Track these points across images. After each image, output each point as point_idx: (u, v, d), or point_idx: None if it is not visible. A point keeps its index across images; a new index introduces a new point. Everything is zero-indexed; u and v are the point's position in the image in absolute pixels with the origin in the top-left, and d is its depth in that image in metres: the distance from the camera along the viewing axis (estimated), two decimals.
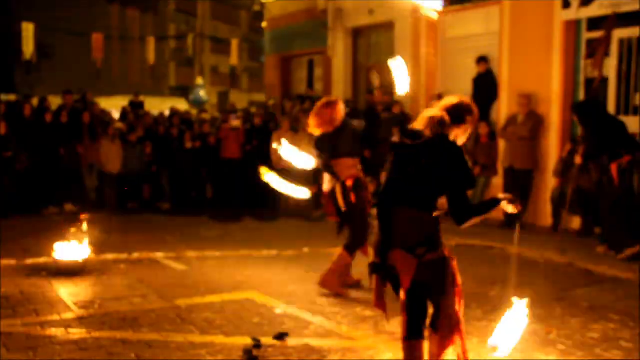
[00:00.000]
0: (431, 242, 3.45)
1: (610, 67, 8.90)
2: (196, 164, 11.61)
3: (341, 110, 6.00)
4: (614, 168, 7.62)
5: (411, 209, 3.44)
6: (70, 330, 4.67)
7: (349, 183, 5.88)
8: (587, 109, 8.09)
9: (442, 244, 3.52)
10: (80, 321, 4.90)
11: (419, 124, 3.52)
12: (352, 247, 5.92)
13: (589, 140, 7.96)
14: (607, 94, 8.98)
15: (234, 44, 19.35)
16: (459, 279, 3.57)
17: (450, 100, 3.64)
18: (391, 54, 12.08)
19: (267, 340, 4.49)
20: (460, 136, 3.62)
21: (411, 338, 3.62)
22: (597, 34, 8.99)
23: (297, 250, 7.81)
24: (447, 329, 3.55)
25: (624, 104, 8.87)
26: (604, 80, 8.97)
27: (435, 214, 3.47)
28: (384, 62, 12.56)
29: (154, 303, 5.44)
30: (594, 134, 7.79)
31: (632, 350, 4.53)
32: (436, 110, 3.54)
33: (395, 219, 3.48)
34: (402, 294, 3.59)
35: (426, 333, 3.66)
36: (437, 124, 3.44)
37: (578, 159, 8.29)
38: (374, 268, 3.70)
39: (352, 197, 5.86)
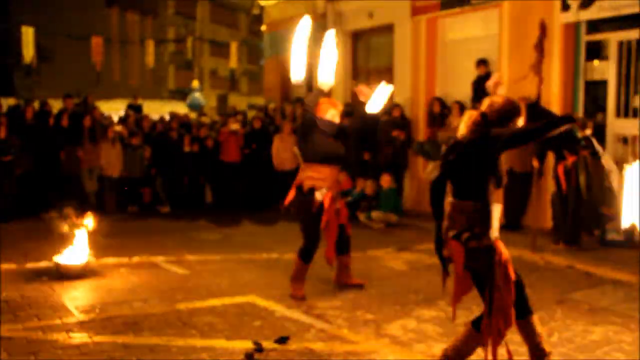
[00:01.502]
0: (474, 229, 3.54)
1: (610, 69, 8.91)
2: (195, 168, 11.61)
3: (323, 110, 5.83)
4: (560, 170, 7.98)
5: (458, 200, 3.61)
6: (72, 334, 4.68)
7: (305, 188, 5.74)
8: (534, 111, 7.92)
9: (487, 234, 3.56)
10: (82, 325, 4.91)
11: (462, 126, 3.67)
12: (301, 254, 5.83)
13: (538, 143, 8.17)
14: (607, 97, 8.99)
15: (233, 47, 19.36)
16: (513, 275, 3.56)
17: (497, 100, 3.71)
18: (391, 56, 12.12)
19: (268, 344, 4.49)
20: None
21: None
22: (597, 37, 9.03)
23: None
24: (495, 327, 3.54)
25: (624, 107, 8.88)
26: (604, 83, 9.00)
27: (480, 203, 3.56)
28: (381, 66, 12.67)
29: (155, 307, 5.45)
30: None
31: (633, 352, 4.53)
32: (476, 111, 3.67)
33: (447, 210, 3.66)
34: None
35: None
36: (476, 125, 3.59)
37: (535, 163, 8.37)
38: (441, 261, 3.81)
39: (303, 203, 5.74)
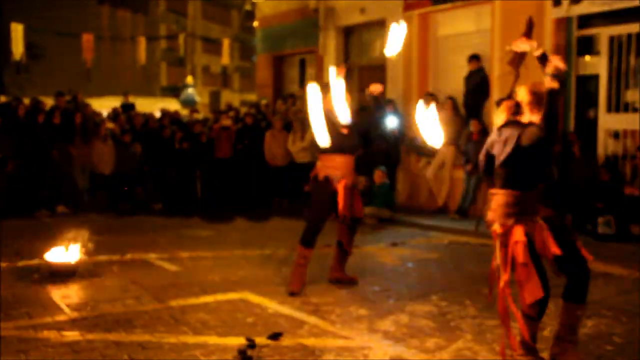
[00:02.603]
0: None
1: (601, 64, 8.94)
2: (188, 164, 11.58)
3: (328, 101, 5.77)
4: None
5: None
6: (63, 332, 4.65)
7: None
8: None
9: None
10: (73, 323, 4.87)
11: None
12: (302, 239, 5.90)
13: None
14: (598, 92, 9.01)
15: (226, 43, 19.32)
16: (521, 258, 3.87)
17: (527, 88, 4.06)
18: (382, 52, 12.10)
19: (261, 340, 4.48)
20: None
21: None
22: (588, 32, 9.06)
23: (290, 250, 7.77)
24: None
25: (615, 101, 8.91)
26: (595, 78, 9.03)
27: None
28: (373, 62, 12.66)
29: (147, 304, 5.42)
30: None
31: (624, 345, 4.55)
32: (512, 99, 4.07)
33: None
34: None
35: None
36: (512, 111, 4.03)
37: None
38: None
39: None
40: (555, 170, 8.21)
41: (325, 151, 5.76)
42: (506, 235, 3.92)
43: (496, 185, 4.05)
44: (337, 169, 5.84)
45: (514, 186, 3.94)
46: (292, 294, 5.74)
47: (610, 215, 8.10)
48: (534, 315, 4.01)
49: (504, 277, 3.93)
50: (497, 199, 4.00)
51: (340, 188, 5.81)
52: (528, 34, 8.86)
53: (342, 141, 5.80)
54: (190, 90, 19.86)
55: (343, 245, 6.16)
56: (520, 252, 3.84)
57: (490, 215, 4.03)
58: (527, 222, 3.91)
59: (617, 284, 6.31)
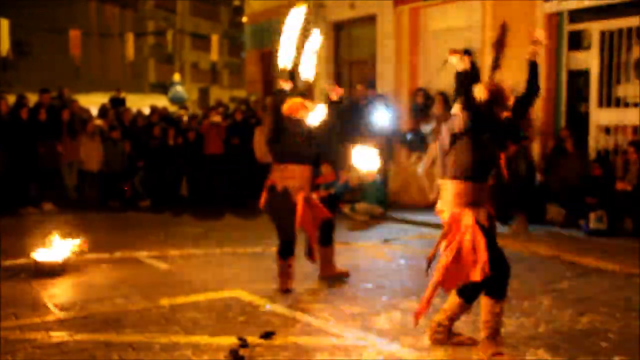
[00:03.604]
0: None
1: (592, 59, 8.92)
2: (178, 161, 11.48)
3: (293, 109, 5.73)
4: (502, 158, 8.19)
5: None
6: (51, 333, 4.56)
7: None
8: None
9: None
10: (61, 323, 4.78)
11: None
12: (280, 252, 5.79)
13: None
14: (589, 87, 9.00)
15: (214, 39, 19.23)
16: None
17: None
18: (373, 47, 12.06)
19: (253, 339, 4.41)
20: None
21: None
22: (579, 27, 9.05)
23: None
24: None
25: (606, 96, 8.89)
26: (586, 72, 9.01)
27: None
28: (363, 57, 12.61)
29: (137, 303, 5.34)
30: None
31: (620, 341, 4.52)
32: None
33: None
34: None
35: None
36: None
37: None
38: None
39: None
40: (505, 170, 8.32)
41: (282, 160, 5.68)
42: (456, 222, 4.09)
43: (446, 175, 4.20)
44: (294, 180, 5.68)
45: (460, 177, 4.10)
46: (287, 291, 5.69)
47: (602, 211, 8.09)
48: (464, 299, 4.25)
49: (445, 262, 4.08)
50: (448, 188, 4.17)
51: (299, 200, 5.66)
52: (501, 39, 9.12)
53: (299, 150, 5.68)
54: (178, 88, 19.70)
55: (326, 243, 6.06)
56: (473, 235, 4.02)
57: (441, 204, 4.23)
58: (476, 210, 4.09)
59: (610, 280, 6.30)
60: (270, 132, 5.73)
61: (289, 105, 5.74)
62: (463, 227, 4.04)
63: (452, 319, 4.33)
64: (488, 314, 4.12)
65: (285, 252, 5.76)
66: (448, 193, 4.16)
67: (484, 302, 4.14)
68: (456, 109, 4.25)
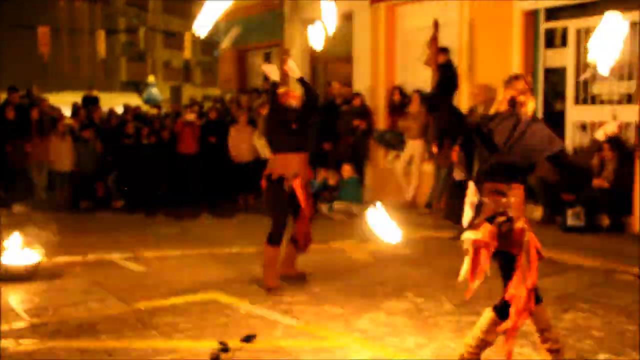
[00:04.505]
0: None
1: (569, 57, 8.96)
2: (152, 160, 11.30)
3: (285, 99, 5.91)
4: (454, 154, 8.27)
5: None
6: (22, 340, 4.41)
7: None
8: (435, 100, 9.40)
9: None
10: (33, 330, 4.63)
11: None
12: (269, 239, 5.81)
13: (435, 129, 9.35)
14: (566, 84, 9.04)
15: (187, 37, 19.00)
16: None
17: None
18: (350, 45, 11.99)
19: (234, 343, 4.31)
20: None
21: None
22: (556, 24, 9.08)
23: (259, 247, 7.54)
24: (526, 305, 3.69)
25: (583, 94, 8.94)
26: (562, 70, 9.06)
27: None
28: (340, 55, 12.54)
29: (113, 307, 5.21)
30: (441, 123, 9.14)
31: (604, 339, 4.51)
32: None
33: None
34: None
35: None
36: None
37: (434, 149, 9.22)
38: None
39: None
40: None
41: (277, 150, 5.84)
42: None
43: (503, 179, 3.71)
44: (291, 168, 5.79)
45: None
46: (270, 289, 5.63)
47: (579, 207, 8.12)
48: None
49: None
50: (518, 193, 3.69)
51: (297, 186, 5.78)
52: (434, 39, 9.51)
53: (293, 139, 5.82)
54: (153, 90, 19.36)
55: (298, 243, 6.05)
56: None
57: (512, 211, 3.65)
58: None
59: (590, 276, 6.31)
60: (268, 123, 5.96)
61: (282, 94, 5.91)
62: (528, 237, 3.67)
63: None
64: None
65: (276, 238, 5.79)
66: (518, 199, 3.67)
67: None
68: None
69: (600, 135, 4.00)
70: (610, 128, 4.00)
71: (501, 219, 3.60)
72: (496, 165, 3.70)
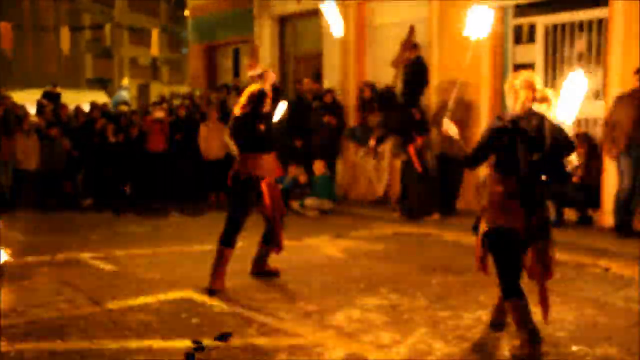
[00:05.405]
0: None
1: (537, 53, 9.06)
2: (120, 158, 11.12)
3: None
4: (411, 150, 9.01)
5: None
6: None
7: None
8: (386, 98, 10.00)
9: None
10: (1, 332, 4.49)
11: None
12: (224, 240, 5.74)
13: (383, 126, 9.96)
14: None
15: (154, 34, 18.77)
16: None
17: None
18: (319, 42, 11.95)
19: (209, 341, 4.26)
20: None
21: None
22: (524, 21, 9.18)
23: None
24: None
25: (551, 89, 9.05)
26: (531, 66, 9.15)
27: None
28: (310, 52, 12.50)
29: (83, 308, 5.10)
30: (390, 120, 9.75)
31: (576, 331, 4.58)
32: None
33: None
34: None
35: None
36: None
37: (372, 142, 10.09)
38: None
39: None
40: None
41: (245, 150, 5.77)
42: None
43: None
44: (259, 168, 5.74)
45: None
46: (214, 291, 5.51)
47: (548, 202, 8.20)
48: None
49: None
50: None
51: (264, 188, 5.74)
52: (409, 40, 9.75)
53: (261, 139, 5.75)
54: (124, 93, 19.03)
55: (270, 242, 6.00)
56: None
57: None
58: None
59: (562, 271, 6.33)
60: (238, 124, 5.79)
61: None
62: None
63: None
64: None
65: (231, 239, 5.71)
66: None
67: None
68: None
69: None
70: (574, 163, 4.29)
71: None
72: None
